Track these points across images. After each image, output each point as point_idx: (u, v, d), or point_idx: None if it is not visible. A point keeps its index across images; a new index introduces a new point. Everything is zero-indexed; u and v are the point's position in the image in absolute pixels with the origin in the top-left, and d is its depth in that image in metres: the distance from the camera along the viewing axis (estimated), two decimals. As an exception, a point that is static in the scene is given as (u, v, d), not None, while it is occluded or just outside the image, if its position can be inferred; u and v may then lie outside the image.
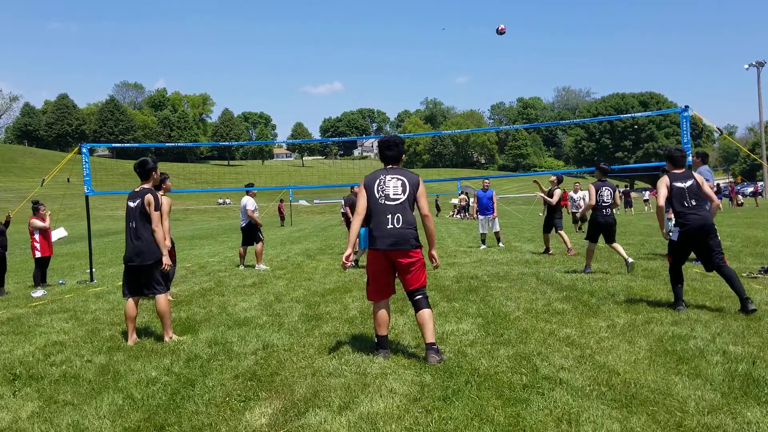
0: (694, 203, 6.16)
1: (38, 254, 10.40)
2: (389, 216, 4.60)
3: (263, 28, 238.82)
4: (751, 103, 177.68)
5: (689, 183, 6.25)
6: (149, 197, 5.63)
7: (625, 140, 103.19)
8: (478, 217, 14.58)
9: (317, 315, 6.64)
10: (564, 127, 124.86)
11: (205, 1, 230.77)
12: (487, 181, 14.75)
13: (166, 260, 5.67)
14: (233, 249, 16.73)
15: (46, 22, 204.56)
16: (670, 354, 4.53)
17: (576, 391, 3.80)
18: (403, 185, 4.67)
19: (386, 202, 4.64)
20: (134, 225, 5.67)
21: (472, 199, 38.98)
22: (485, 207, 14.30)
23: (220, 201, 64.86)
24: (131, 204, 5.73)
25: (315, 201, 60.03)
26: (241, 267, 11.72)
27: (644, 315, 5.93)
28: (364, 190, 4.75)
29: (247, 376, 4.41)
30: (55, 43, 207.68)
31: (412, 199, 4.68)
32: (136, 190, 5.80)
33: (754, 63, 43.62)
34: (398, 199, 4.64)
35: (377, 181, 4.72)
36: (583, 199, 16.70)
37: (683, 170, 6.39)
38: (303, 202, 57.82)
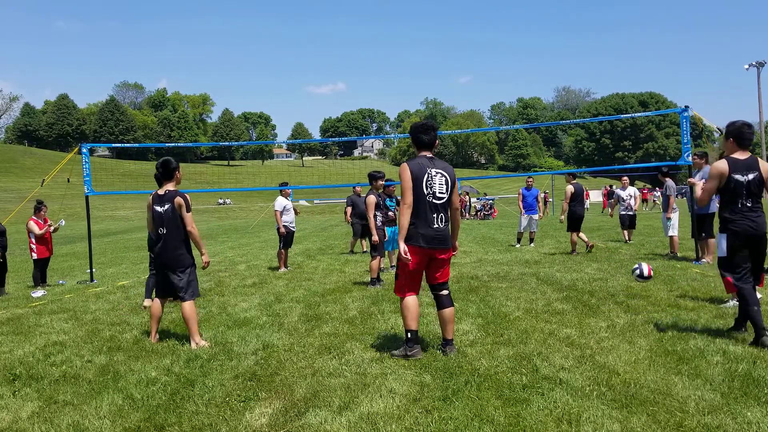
0: (750, 204, 4.83)
1: (35, 256, 10.39)
2: (435, 215, 4.62)
3: (264, 28, 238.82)
4: (751, 103, 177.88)
5: (752, 176, 4.82)
6: (179, 200, 5.43)
7: (625, 140, 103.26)
8: (521, 215, 14.34)
9: (317, 315, 6.64)
10: (564, 127, 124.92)
11: (206, 2, 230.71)
12: (531, 179, 14.52)
13: (206, 258, 5.64)
14: (233, 249, 16.73)
15: (50, 21, 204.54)
16: (670, 354, 4.53)
17: (576, 391, 3.80)
18: (447, 183, 4.66)
19: (434, 201, 4.61)
20: (164, 231, 5.49)
21: (473, 200, 39.02)
22: (529, 205, 14.16)
23: (221, 201, 64.85)
24: (159, 209, 5.49)
25: (315, 201, 60.05)
26: (282, 270, 11.00)
27: (644, 315, 5.93)
28: (410, 181, 4.56)
29: (247, 376, 4.41)
30: (57, 43, 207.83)
31: (452, 196, 4.73)
32: (161, 193, 5.54)
33: (754, 63, 43.61)
34: (443, 198, 4.65)
35: (426, 176, 4.61)
36: (633, 197, 14.00)
37: (747, 156, 4.90)
38: (303, 202, 57.78)
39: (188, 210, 5.48)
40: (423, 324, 5.89)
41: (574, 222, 12.12)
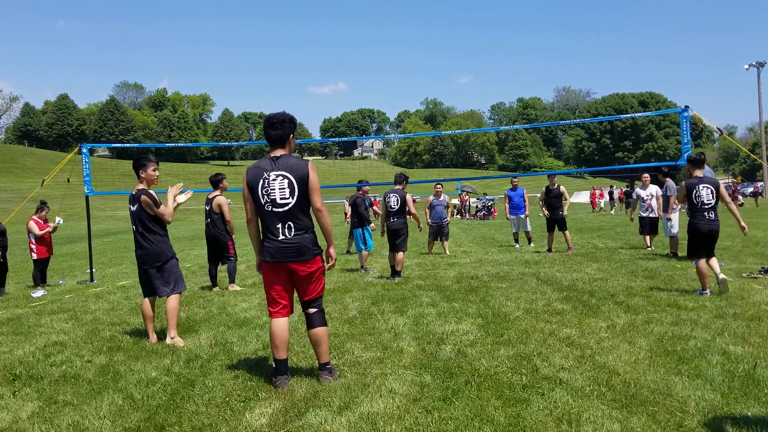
0: None
1: (35, 256, 10.38)
2: (278, 225, 4.06)
3: (264, 28, 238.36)
4: (751, 103, 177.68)
5: None
6: (144, 199, 5.54)
7: (625, 140, 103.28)
8: (509, 217, 14.53)
9: (317, 315, 6.63)
10: (564, 127, 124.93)
11: (206, 2, 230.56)
12: (516, 179, 14.65)
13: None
14: (233, 249, 16.71)
15: (50, 21, 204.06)
16: (670, 354, 4.53)
17: (576, 391, 3.81)
18: (291, 185, 4.03)
19: (273, 209, 4.05)
20: (140, 229, 5.62)
21: (473, 200, 39.03)
22: (516, 206, 14.32)
23: (220, 201, 64.90)
24: (132, 208, 5.68)
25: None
26: None
27: (644, 315, 5.93)
28: (248, 192, 4.14)
29: (247, 376, 4.41)
30: (57, 44, 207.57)
31: (304, 198, 4.08)
32: (133, 193, 5.71)
33: (754, 63, 43.64)
34: (286, 203, 4.04)
35: (261, 181, 4.07)
36: (655, 197, 12.24)
37: None
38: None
39: (157, 205, 5.57)
40: (422, 324, 5.89)
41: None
